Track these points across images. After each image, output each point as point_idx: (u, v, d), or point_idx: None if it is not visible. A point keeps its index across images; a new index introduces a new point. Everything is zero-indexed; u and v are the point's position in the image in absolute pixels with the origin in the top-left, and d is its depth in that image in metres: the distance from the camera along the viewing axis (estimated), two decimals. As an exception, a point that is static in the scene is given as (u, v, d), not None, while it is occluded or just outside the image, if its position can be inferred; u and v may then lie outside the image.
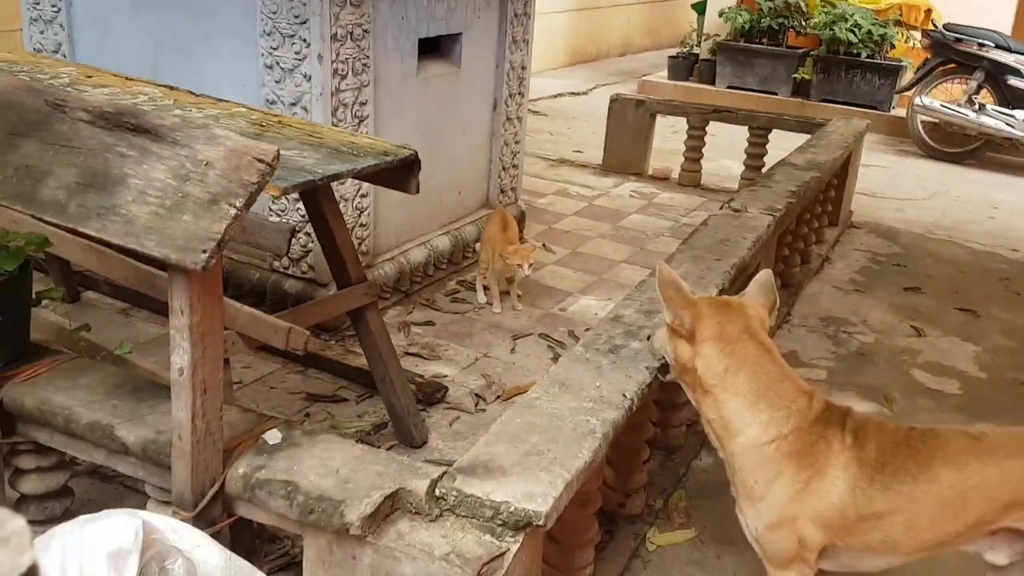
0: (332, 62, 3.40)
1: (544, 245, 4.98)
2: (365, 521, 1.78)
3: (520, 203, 4.98)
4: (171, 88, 2.91)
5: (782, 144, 6.09)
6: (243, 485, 1.91)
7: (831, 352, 4.04)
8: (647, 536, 2.68)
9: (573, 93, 9.86)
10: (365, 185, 3.71)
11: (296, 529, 1.92)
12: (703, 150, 6.32)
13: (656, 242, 5.21)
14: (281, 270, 3.76)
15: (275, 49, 3.43)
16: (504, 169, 4.74)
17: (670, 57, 9.98)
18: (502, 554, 1.77)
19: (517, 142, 4.79)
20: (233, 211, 1.55)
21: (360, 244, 3.78)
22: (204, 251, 1.52)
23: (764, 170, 5.91)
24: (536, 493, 1.84)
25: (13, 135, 1.77)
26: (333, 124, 3.46)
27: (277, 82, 3.47)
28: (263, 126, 2.60)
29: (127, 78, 3.01)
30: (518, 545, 1.79)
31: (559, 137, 7.83)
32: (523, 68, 4.66)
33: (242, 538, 2.09)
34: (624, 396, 2.27)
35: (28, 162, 1.72)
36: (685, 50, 9.98)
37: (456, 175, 4.41)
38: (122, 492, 2.57)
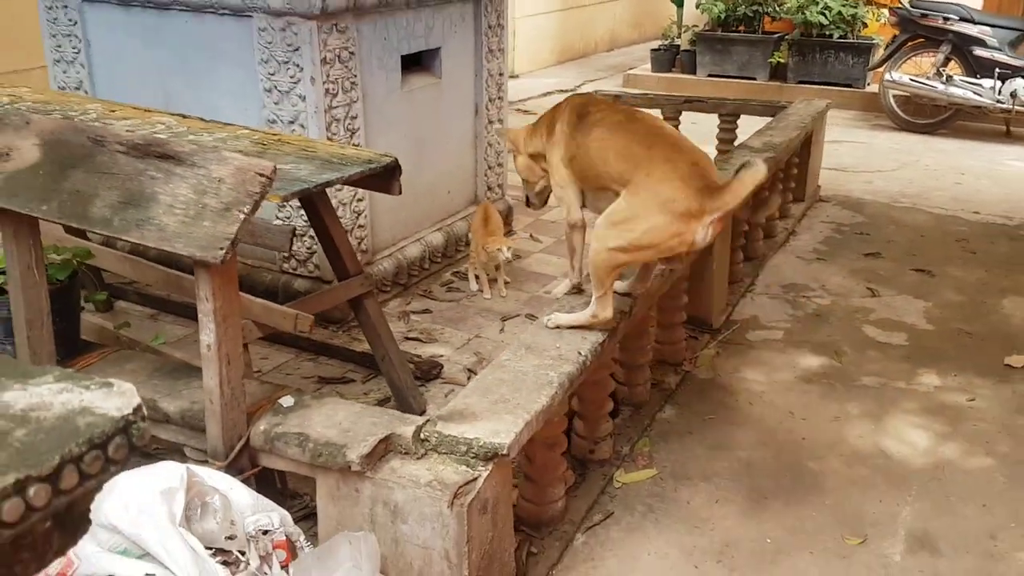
0: (323, 83, 3.84)
1: (531, 235, 5.41)
2: (364, 459, 2.22)
3: (507, 198, 5.41)
4: (184, 117, 3.36)
5: (757, 126, 6.49)
6: (264, 439, 2.35)
7: (789, 315, 4.45)
8: (614, 476, 3.11)
9: (562, 91, 10.25)
10: (361, 191, 4.15)
11: (308, 472, 2.36)
12: (679, 138, 6.72)
13: (635, 226, 5.62)
14: (290, 271, 4.21)
15: (272, 74, 3.88)
16: (490, 168, 5.17)
17: (652, 50, 10.38)
18: (474, 479, 2.20)
19: (500, 142, 5.22)
20: (242, 216, 1.99)
21: (360, 243, 4.23)
22: (221, 248, 1.96)
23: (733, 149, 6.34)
24: (501, 430, 2.28)
25: (64, 166, 2.21)
26: (328, 138, 3.91)
27: (276, 103, 3.92)
28: (264, 145, 3.05)
29: (146, 110, 3.46)
30: (487, 472, 2.23)
31: (548, 134, 8.24)
32: (500, 74, 5.09)
33: (266, 491, 2.54)
34: (579, 353, 2.70)
35: (78, 187, 2.16)
36: (666, 42, 10.38)
37: (445, 176, 4.84)
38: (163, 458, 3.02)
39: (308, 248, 4.11)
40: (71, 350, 2.68)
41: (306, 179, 2.70)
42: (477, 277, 4.58)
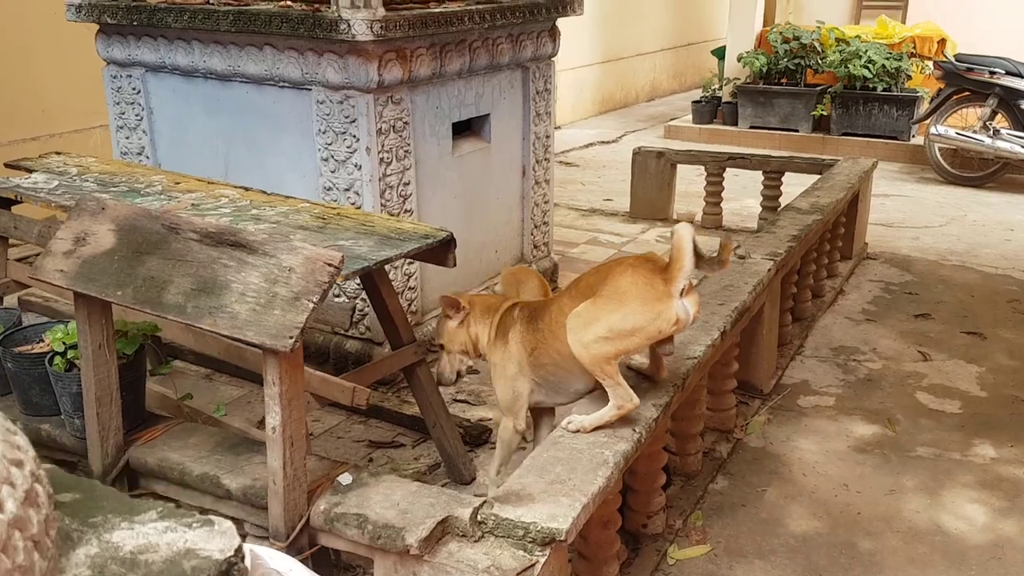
0: (379, 152, 3.94)
1: (576, 294, 5.44)
2: (422, 543, 2.24)
3: (552, 255, 5.46)
4: (246, 189, 3.47)
5: (801, 182, 6.51)
6: (324, 519, 2.39)
7: (840, 380, 4.41)
8: (668, 552, 3.09)
9: (603, 142, 10.37)
10: (411, 255, 4.22)
11: (367, 553, 2.38)
12: (723, 194, 6.74)
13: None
14: (342, 332, 4.28)
15: (329, 144, 3.99)
16: (536, 227, 5.24)
17: (694, 102, 10.45)
18: (532, 565, 2.22)
19: (546, 202, 5.29)
20: (311, 305, 2.05)
21: (409, 305, 4.29)
22: (291, 337, 2.02)
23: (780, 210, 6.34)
24: (558, 514, 2.29)
25: (139, 253, 2.30)
26: (381, 204, 4.00)
27: (332, 172, 4.02)
28: (324, 219, 3.13)
29: (209, 182, 3.57)
30: (545, 557, 2.24)
31: (590, 186, 8.32)
32: (547, 136, 5.17)
33: (322, 566, 2.57)
34: (634, 430, 2.71)
35: (153, 274, 2.25)
36: (708, 94, 10.44)
37: (493, 236, 4.91)
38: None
39: (360, 310, 4.18)
40: (137, 421, 2.76)
41: (365, 256, 2.77)
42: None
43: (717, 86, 10.45)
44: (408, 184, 4.14)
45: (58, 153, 3.89)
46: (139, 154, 4.62)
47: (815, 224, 4.72)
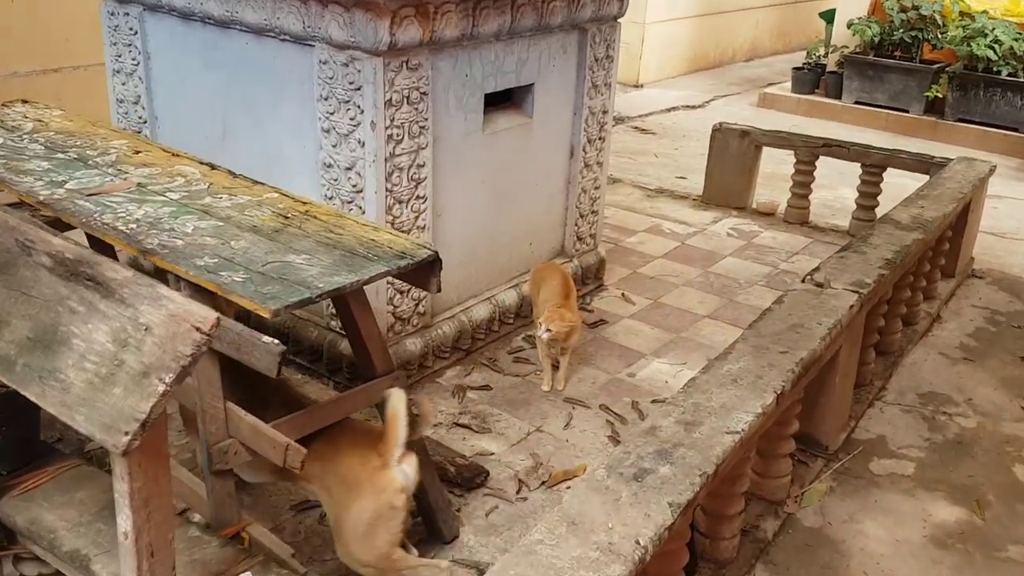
0: (386, 128, 3.30)
1: (623, 294, 4.76)
2: None
3: (600, 249, 4.77)
4: (212, 168, 2.89)
5: (902, 178, 5.62)
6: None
7: (924, 440, 3.65)
8: (674, 672, 2.46)
9: (689, 106, 9.48)
10: (422, 239, 3.60)
11: None
12: (812, 184, 5.89)
13: (748, 293, 4.88)
14: (337, 330, 3.71)
15: (331, 114, 3.37)
16: (582, 216, 4.54)
17: (795, 69, 9.44)
18: None
19: (597, 187, 4.58)
20: (162, 387, 1.46)
21: (417, 304, 3.69)
22: (127, 433, 1.44)
23: (878, 211, 5.49)
24: (506, 677, 1.68)
25: (-14, 272, 1.74)
26: (387, 189, 3.38)
27: (334, 146, 3.41)
28: (287, 218, 2.53)
29: (174, 154, 3.01)
30: None
31: (664, 160, 7.52)
32: (604, 112, 4.44)
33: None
34: (637, 543, 2.06)
35: (-7, 306, 1.69)
36: (811, 61, 9.41)
37: (527, 226, 4.25)
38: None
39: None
40: (25, 459, 2.24)
41: (311, 283, 2.16)
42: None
43: (822, 53, 9.40)
44: (423, 166, 3.50)
45: (24, 102, 3.37)
46: (135, 103, 4.08)
47: (915, 245, 3.90)
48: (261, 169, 3.60)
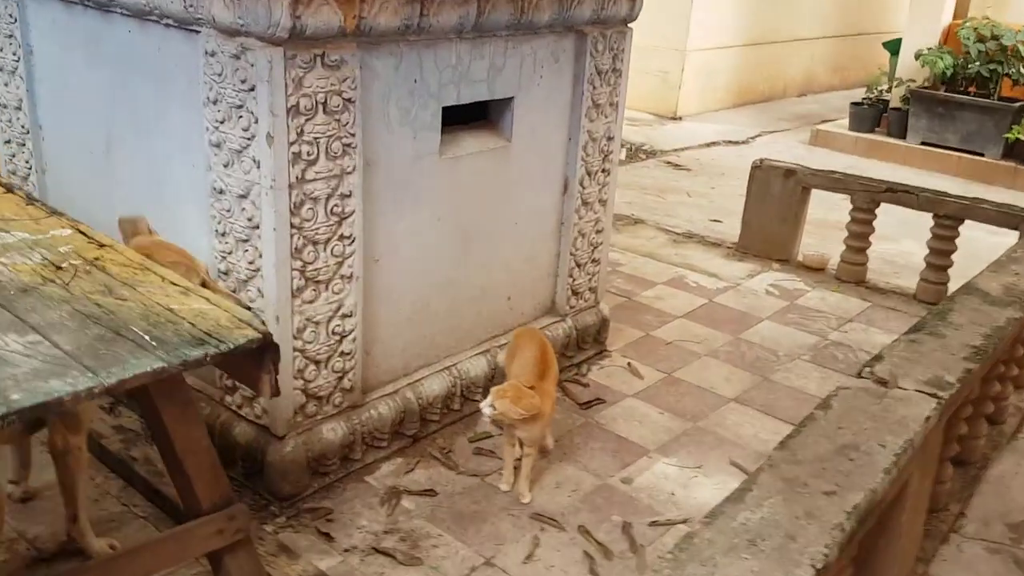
0: (291, 143, 2.44)
1: (630, 364, 3.81)
2: None
3: (602, 307, 3.84)
4: (7, 190, 2.04)
5: (977, 231, 4.62)
6: None
7: (1023, 601, 2.64)
8: None
9: (730, 142, 8.53)
10: (349, 293, 2.72)
11: None
12: (871, 236, 4.89)
13: (788, 370, 3.90)
14: (233, 408, 2.83)
15: (221, 123, 2.51)
16: (579, 266, 3.62)
17: (853, 104, 8.44)
18: None
19: (599, 231, 3.66)
20: None
21: (341, 378, 2.80)
22: None
23: (951, 271, 4.49)
24: None
25: None
26: (293, 225, 2.50)
27: (225, 166, 2.55)
28: (58, 269, 1.67)
29: None
30: None
31: (698, 200, 6.58)
32: (609, 139, 3.53)
33: None
34: None
35: None
36: (872, 96, 8.41)
37: (504, 277, 3.34)
38: None
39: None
40: None
41: (28, 387, 1.27)
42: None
43: (885, 87, 8.40)
44: (348, 196, 2.62)
45: None
46: (18, 108, 3.28)
47: (1011, 326, 2.91)
48: (147, 194, 2.79)
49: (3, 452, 2.57)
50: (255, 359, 1.54)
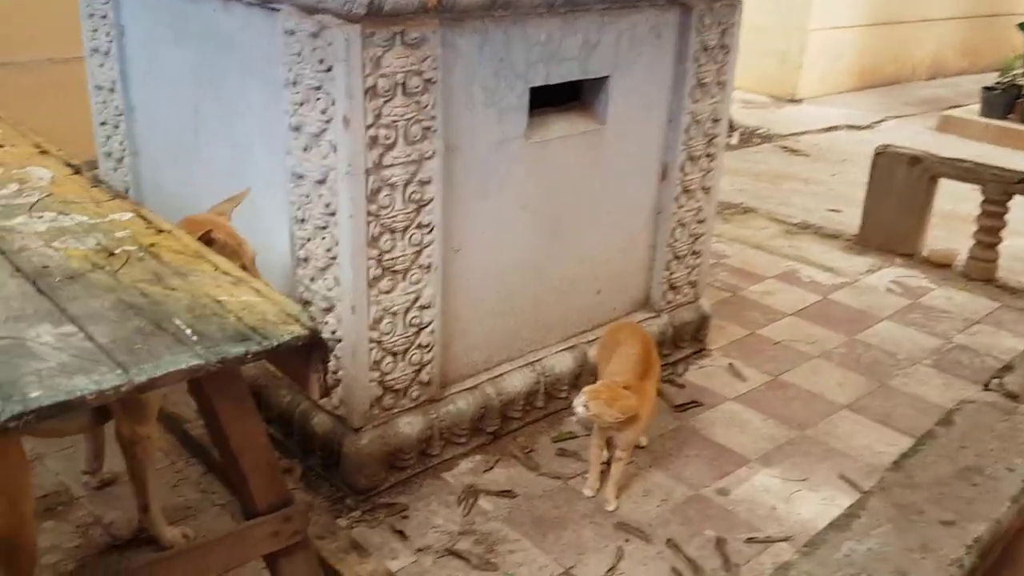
0: (368, 127, 2.32)
1: (732, 365, 3.57)
2: None
3: (702, 303, 3.61)
4: (75, 172, 2.00)
5: None
6: None
7: None
8: None
9: (853, 126, 8.03)
10: (427, 283, 2.60)
11: None
12: (1003, 232, 4.46)
13: (908, 375, 3.57)
14: (313, 398, 2.75)
15: (300, 105, 2.42)
16: (677, 258, 3.40)
17: (985, 88, 7.81)
18: None
19: (701, 221, 3.43)
20: None
21: (419, 371, 2.68)
22: None
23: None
24: None
25: None
26: (370, 213, 2.39)
27: (304, 150, 2.46)
28: (110, 255, 1.59)
29: (41, 151, 2.16)
30: None
31: (816, 187, 6.20)
32: (715, 121, 3.29)
33: None
34: None
35: None
36: (1005, 80, 7.76)
37: (594, 269, 3.16)
38: None
39: (333, 371, 2.62)
40: None
41: (19, 388, 1.18)
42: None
43: (1020, 71, 7.73)
44: (427, 183, 2.49)
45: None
46: (111, 90, 3.30)
47: None
48: (231, 178, 2.75)
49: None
50: (303, 357, 1.42)
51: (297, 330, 1.38)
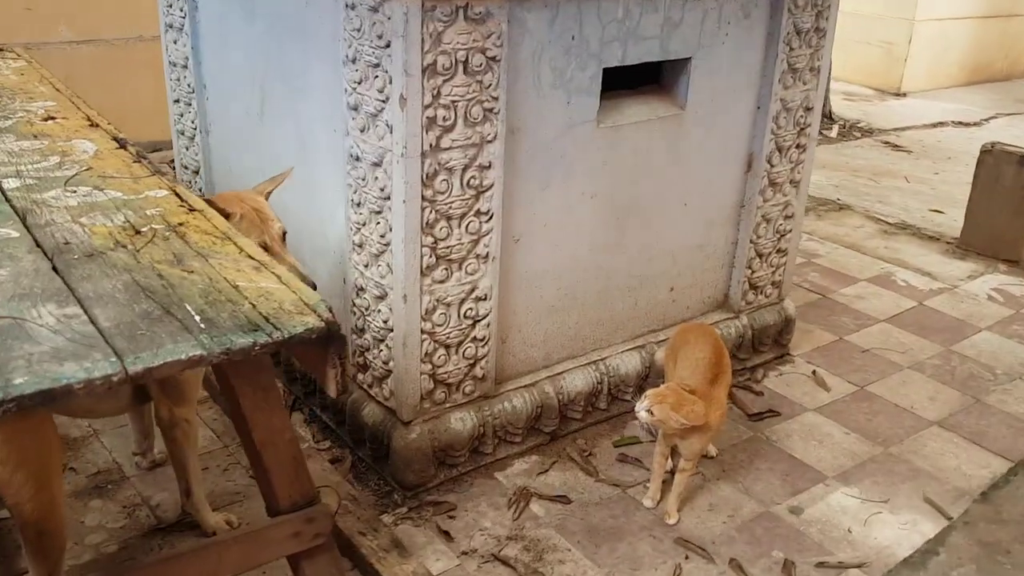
0: (426, 106, 2.20)
1: (815, 373, 3.34)
2: None
3: (786, 304, 3.38)
4: (120, 147, 1.93)
5: None
6: None
7: None
8: None
9: (960, 123, 7.55)
10: (484, 274, 2.48)
11: None
12: None
13: (1006, 391, 3.28)
14: (364, 386, 2.67)
15: (358, 84, 2.32)
16: (760, 256, 3.19)
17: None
18: None
19: (789, 216, 3.21)
20: None
21: (473, 365, 2.56)
22: None
23: None
24: None
25: None
26: (425, 198, 2.27)
27: (361, 131, 2.36)
28: (136, 233, 1.51)
29: (92, 124, 2.10)
30: None
31: (917, 186, 5.82)
32: (807, 110, 3.06)
33: None
34: None
35: None
36: None
37: (667, 265, 2.98)
38: None
39: (384, 361, 2.52)
40: None
41: (31, 377, 1.10)
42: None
43: None
44: (488, 168, 2.36)
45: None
46: (184, 66, 3.27)
47: None
48: (294, 158, 2.68)
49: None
50: (320, 350, 1.31)
51: (312, 321, 1.26)
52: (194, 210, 1.64)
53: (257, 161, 2.97)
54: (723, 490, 2.66)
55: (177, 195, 1.69)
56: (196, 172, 3.38)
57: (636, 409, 2.41)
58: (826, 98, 7.39)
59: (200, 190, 3.33)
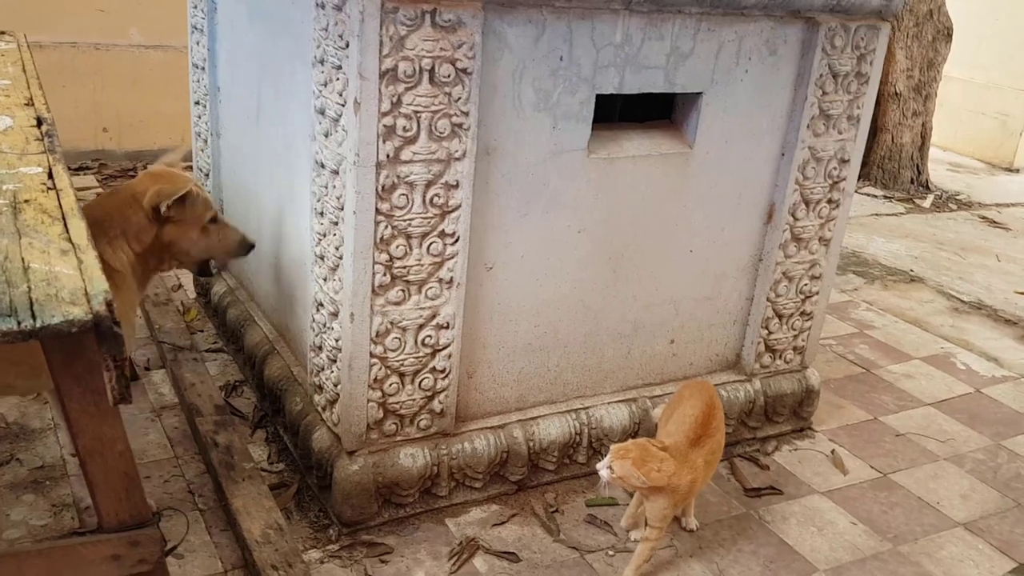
0: (384, 113, 2.06)
1: (834, 453, 3.00)
2: None
3: (809, 373, 3.07)
4: (36, 123, 1.86)
5: None
6: None
7: None
8: None
9: (1077, 204, 6.95)
10: (447, 300, 2.30)
11: None
12: None
13: (1057, 498, 2.87)
14: (319, 408, 2.51)
15: (324, 86, 2.20)
16: (779, 317, 2.90)
17: None
18: None
19: (816, 277, 2.91)
20: None
21: (431, 399, 2.38)
22: None
23: None
24: None
25: None
26: (383, 213, 2.13)
27: (326, 136, 2.23)
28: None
29: (27, 103, 2.03)
30: None
31: (1008, 265, 5.34)
32: (842, 162, 2.78)
33: None
34: None
35: None
36: None
37: (665, 313, 2.73)
38: None
39: (335, 383, 2.36)
40: None
41: None
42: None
43: None
44: (455, 188, 2.19)
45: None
46: (203, 68, 3.25)
47: None
48: (279, 163, 2.59)
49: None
50: (89, 350, 1.16)
51: (76, 313, 1.11)
52: (52, 189, 1.53)
53: (254, 165, 2.90)
54: (693, 569, 2.38)
55: (50, 174, 1.59)
56: (207, 175, 3.35)
57: (598, 466, 2.18)
58: (922, 165, 6.94)
59: (209, 193, 3.29)
